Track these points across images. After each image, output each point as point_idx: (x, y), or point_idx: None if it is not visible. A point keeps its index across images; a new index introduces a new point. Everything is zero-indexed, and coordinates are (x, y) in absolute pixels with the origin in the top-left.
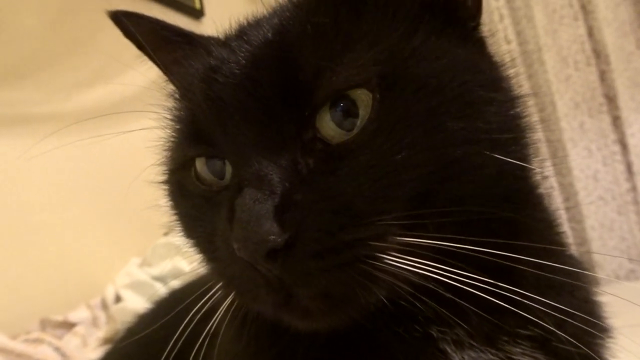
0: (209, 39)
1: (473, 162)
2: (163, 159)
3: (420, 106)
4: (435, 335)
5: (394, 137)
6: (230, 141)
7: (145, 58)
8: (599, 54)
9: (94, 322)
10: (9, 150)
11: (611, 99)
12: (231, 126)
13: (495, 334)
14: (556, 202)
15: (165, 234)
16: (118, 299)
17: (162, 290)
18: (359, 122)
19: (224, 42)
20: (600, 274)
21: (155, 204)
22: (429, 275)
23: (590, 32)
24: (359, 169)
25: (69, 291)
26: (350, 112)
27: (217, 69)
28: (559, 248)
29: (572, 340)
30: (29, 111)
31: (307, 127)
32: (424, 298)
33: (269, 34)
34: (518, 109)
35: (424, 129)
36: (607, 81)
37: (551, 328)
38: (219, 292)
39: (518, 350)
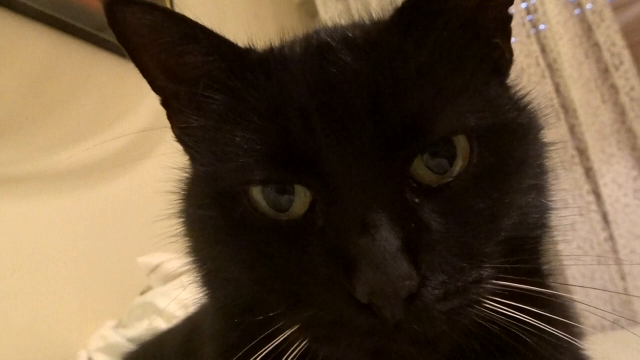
0: (251, 51)
1: (534, 207)
2: (194, 182)
3: (513, 153)
4: None
5: (498, 183)
6: (334, 170)
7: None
8: (567, 109)
9: None
10: None
11: (582, 152)
12: (338, 150)
13: None
14: None
15: (142, 293)
16: None
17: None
18: (458, 167)
19: (292, 59)
20: (585, 324)
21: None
22: (512, 318)
23: (558, 89)
24: (468, 212)
25: (38, 358)
26: (445, 155)
27: (321, 84)
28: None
29: None
30: (5, 171)
31: (409, 165)
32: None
33: (374, 61)
34: (547, 155)
35: (517, 177)
36: (577, 135)
37: None
38: (282, 340)
39: None
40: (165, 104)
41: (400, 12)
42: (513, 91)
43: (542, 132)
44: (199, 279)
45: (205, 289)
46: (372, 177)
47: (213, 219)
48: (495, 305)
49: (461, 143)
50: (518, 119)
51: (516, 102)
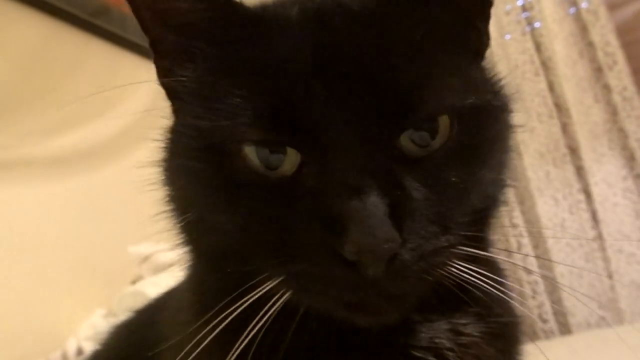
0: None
1: (497, 182)
2: (190, 130)
3: (487, 132)
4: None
5: (472, 159)
6: (328, 133)
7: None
8: (560, 108)
9: None
10: None
11: (574, 150)
12: (333, 117)
13: (448, 311)
14: (527, 249)
15: (133, 282)
16: (80, 352)
17: None
18: (438, 141)
19: (294, 22)
20: (572, 321)
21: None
22: (469, 279)
23: (551, 87)
24: (444, 184)
25: (26, 345)
26: (428, 129)
27: (320, 50)
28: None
29: (500, 317)
30: None
31: (397, 137)
32: None
33: (372, 32)
34: (512, 137)
35: (488, 154)
36: (569, 133)
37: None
38: (264, 290)
39: (463, 320)
40: (153, 45)
41: None
42: (488, 73)
43: (511, 114)
44: (178, 226)
45: (184, 235)
46: (364, 146)
47: (200, 170)
48: (458, 267)
49: (444, 120)
50: (493, 101)
51: (492, 84)
